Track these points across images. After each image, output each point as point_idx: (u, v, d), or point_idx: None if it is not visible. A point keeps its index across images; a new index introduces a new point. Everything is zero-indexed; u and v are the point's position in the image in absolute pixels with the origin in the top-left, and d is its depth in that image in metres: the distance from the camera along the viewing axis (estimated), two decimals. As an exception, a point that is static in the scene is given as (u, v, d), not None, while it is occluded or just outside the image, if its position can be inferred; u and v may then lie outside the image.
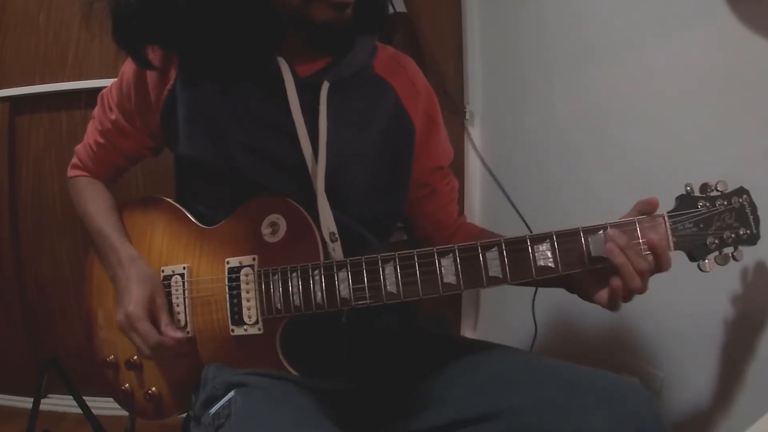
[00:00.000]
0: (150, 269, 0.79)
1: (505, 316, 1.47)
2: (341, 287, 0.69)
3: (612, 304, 0.67)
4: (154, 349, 0.74)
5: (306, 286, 0.71)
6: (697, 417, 0.90)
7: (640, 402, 0.63)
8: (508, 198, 1.21)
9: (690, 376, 0.92)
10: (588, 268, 0.66)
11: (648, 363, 1.00)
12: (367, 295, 0.69)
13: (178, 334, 0.74)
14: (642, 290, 0.64)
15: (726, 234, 0.66)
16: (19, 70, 1.56)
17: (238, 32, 0.73)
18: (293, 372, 0.72)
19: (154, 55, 0.80)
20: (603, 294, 0.68)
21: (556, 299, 1.23)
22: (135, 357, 0.82)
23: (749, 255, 0.67)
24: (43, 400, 1.40)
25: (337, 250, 0.75)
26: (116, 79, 0.88)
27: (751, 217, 0.67)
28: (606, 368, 0.70)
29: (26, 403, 1.53)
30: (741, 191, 0.67)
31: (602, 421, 0.61)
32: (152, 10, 0.72)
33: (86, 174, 0.93)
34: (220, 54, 0.77)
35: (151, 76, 0.82)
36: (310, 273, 0.71)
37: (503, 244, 0.66)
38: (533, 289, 1.21)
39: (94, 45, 1.54)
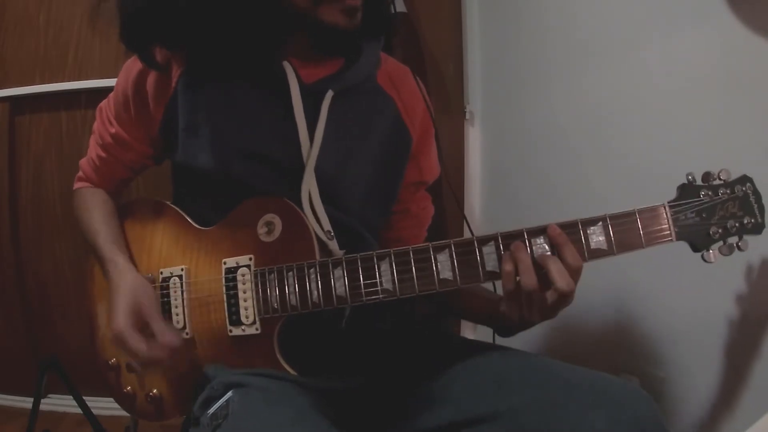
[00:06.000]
0: (137, 277, 0.77)
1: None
2: (337, 285, 0.69)
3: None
4: (147, 365, 0.72)
5: (302, 285, 0.71)
6: (697, 417, 0.89)
7: (640, 403, 0.63)
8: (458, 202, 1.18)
9: (690, 377, 0.92)
10: (587, 260, 0.66)
11: (648, 363, 1.00)
12: (363, 292, 0.69)
13: (173, 340, 0.70)
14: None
15: (730, 223, 0.65)
16: (19, 70, 1.57)
17: (245, 29, 0.73)
18: (291, 371, 0.72)
19: (159, 57, 0.80)
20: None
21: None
22: (136, 359, 0.82)
23: (750, 251, 0.67)
24: (43, 400, 1.40)
25: (333, 248, 0.75)
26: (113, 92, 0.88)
27: (755, 206, 0.66)
28: (606, 368, 0.70)
29: (26, 403, 1.53)
30: (744, 179, 0.66)
31: (601, 423, 0.61)
32: (159, 8, 0.72)
33: (90, 185, 0.92)
34: (227, 52, 0.76)
35: (150, 85, 0.81)
36: (306, 271, 0.71)
37: (500, 238, 0.66)
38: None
39: (94, 45, 1.54)
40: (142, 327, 0.72)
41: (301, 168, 0.78)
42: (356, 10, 0.74)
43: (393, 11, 0.88)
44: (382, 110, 0.86)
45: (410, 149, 0.89)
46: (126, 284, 0.75)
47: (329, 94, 0.79)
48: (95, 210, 0.88)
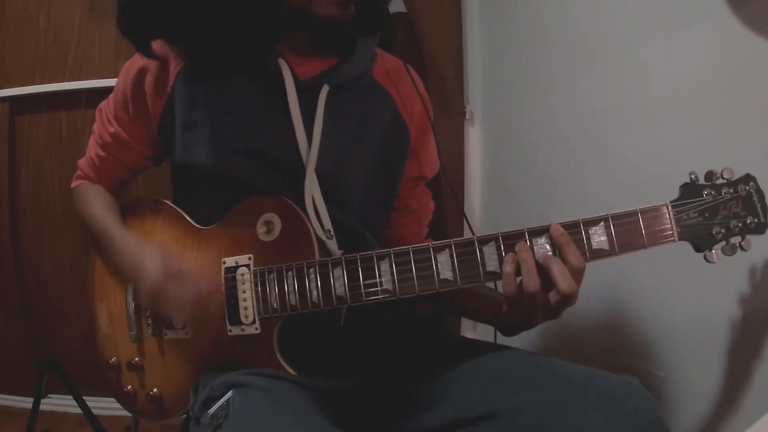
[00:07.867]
0: (154, 243, 0.78)
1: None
2: (337, 285, 0.69)
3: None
4: (195, 309, 0.71)
5: (302, 285, 0.70)
6: (697, 417, 0.89)
7: (640, 401, 0.63)
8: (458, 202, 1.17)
9: (690, 376, 0.92)
10: (589, 261, 0.65)
11: (648, 363, 1.00)
12: (363, 292, 0.68)
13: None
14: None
15: (733, 223, 0.64)
16: (19, 70, 1.57)
17: (243, 24, 0.73)
18: (291, 371, 0.72)
19: (157, 48, 0.80)
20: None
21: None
22: (136, 358, 0.82)
23: (753, 251, 0.66)
24: (43, 400, 1.40)
25: (331, 247, 0.75)
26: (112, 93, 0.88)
27: (758, 205, 0.65)
28: (606, 368, 0.70)
29: (26, 403, 1.53)
30: (748, 178, 0.65)
31: (602, 421, 0.60)
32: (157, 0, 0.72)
33: (89, 182, 0.93)
34: (224, 47, 0.76)
35: (149, 84, 0.82)
36: (306, 271, 0.70)
37: (501, 239, 0.66)
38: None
39: (94, 45, 1.55)
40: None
41: (301, 166, 0.78)
42: (349, 2, 0.74)
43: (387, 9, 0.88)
44: (380, 106, 0.86)
45: (409, 144, 0.89)
46: (147, 249, 0.74)
47: (325, 88, 0.79)
48: (98, 200, 0.89)
